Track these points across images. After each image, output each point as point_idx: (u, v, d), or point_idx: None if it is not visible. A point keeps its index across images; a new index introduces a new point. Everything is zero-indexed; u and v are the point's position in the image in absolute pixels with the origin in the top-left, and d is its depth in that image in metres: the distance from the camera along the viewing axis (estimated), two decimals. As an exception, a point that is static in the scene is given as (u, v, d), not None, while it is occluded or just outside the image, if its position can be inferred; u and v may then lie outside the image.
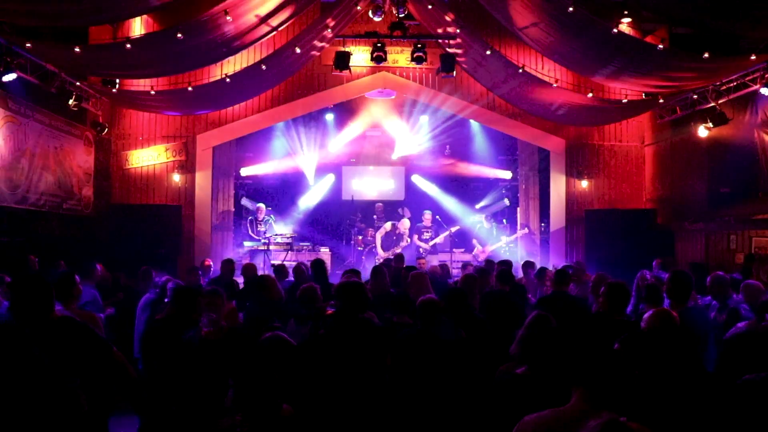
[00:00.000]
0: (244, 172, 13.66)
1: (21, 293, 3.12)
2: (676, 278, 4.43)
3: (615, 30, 7.88)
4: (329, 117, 13.59)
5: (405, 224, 12.07)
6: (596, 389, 2.02)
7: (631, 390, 2.23)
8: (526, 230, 12.56)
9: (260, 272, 9.78)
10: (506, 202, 13.89)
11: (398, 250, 11.45)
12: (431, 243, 11.81)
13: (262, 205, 12.26)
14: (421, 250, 11.73)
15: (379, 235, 12.00)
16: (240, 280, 7.46)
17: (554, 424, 2.00)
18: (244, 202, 13.25)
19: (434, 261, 11.21)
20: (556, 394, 2.18)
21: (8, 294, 3.32)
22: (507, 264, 7.32)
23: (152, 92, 9.85)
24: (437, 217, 12.30)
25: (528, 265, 8.10)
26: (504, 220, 13.53)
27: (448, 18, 9.13)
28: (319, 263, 6.94)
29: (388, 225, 12.10)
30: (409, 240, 11.92)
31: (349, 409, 3.38)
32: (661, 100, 10.14)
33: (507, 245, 12.47)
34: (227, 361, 3.40)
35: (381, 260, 9.41)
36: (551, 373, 2.47)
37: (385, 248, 11.83)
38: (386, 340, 3.88)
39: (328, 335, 3.83)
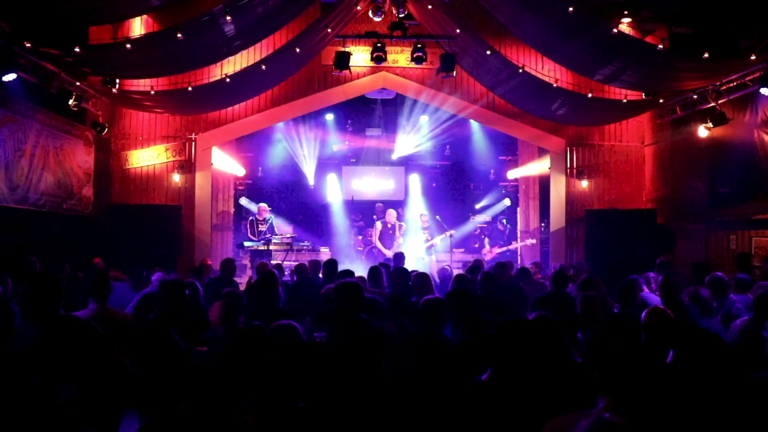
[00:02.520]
0: (244, 172, 13.67)
1: (32, 291, 3.14)
2: (667, 280, 4.47)
3: (615, 30, 7.88)
4: (329, 117, 13.60)
5: (392, 215, 12.04)
6: (622, 396, 2.03)
7: (656, 395, 2.23)
8: (534, 241, 12.64)
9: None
10: (507, 202, 13.91)
11: (399, 242, 11.49)
12: (427, 245, 11.82)
13: (263, 205, 12.24)
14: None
15: (376, 239, 11.95)
16: (238, 280, 7.47)
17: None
18: (243, 201, 13.25)
19: (433, 262, 11.25)
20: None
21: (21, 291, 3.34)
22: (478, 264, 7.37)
23: (152, 92, 9.85)
24: (437, 217, 12.31)
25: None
26: (504, 220, 13.57)
27: (448, 18, 9.14)
28: (331, 263, 6.94)
29: (378, 224, 12.08)
30: (401, 236, 11.90)
31: (346, 410, 3.38)
32: (661, 100, 10.14)
33: (510, 249, 12.53)
34: (235, 362, 3.41)
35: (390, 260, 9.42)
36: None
37: (388, 247, 11.80)
38: (382, 340, 3.88)
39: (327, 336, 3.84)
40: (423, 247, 11.82)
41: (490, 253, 12.31)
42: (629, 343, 2.22)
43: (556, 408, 2.24)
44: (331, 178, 15.00)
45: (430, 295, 4.17)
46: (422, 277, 5.56)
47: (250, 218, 12.09)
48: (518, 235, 13.38)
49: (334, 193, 15.07)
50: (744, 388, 2.47)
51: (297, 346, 3.18)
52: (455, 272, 8.17)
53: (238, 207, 13.44)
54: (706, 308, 4.88)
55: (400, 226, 12.07)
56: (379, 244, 11.83)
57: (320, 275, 7.17)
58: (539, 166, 12.67)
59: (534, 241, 12.66)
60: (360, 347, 3.65)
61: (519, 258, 12.38)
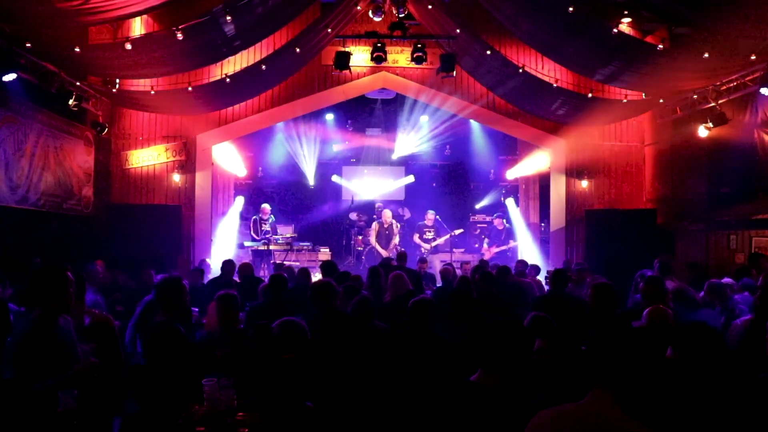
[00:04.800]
0: (244, 172, 13.67)
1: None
2: (651, 283, 4.44)
3: (615, 30, 7.87)
4: (329, 117, 13.60)
5: (388, 215, 12.10)
6: (615, 390, 2.03)
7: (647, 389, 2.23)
8: (516, 244, 12.78)
9: (260, 272, 9.78)
10: (510, 202, 13.90)
11: (395, 242, 11.52)
12: (433, 244, 11.85)
13: (266, 206, 12.25)
14: (422, 249, 11.76)
15: (374, 240, 12.01)
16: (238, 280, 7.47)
17: (569, 419, 2.02)
18: (238, 201, 13.23)
19: (435, 261, 11.27)
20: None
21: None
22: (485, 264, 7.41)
23: (152, 92, 9.85)
24: (437, 217, 12.33)
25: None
26: (504, 221, 13.58)
27: (448, 18, 9.14)
28: (329, 265, 6.99)
29: (375, 225, 12.16)
30: (397, 235, 11.97)
31: (347, 408, 3.38)
32: (661, 100, 10.13)
33: (509, 248, 12.57)
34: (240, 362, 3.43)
35: (391, 258, 9.46)
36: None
37: (384, 246, 11.86)
38: (368, 337, 3.90)
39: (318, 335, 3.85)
40: (427, 245, 11.86)
41: (488, 252, 12.34)
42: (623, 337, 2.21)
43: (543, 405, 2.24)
44: (331, 178, 15.01)
45: (419, 296, 4.25)
46: (397, 279, 5.58)
47: (254, 218, 12.12)
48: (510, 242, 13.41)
49: (334, 193, 15.08)
50: (748, 388, 2.47)
51: (304, 345, 3.20)
52: (457, 272, 8.21)
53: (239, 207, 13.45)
54: (691, 304, 4.91)
55: (397, 226, 12.14)
56: (377, 245, 11.88)
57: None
58: (536, 162, 12.66)
59: (515, 243, 12.79)
60: (341, 342, 3.67)
61: (519, 256, 12.42)
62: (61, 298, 3.19)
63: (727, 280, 5.79)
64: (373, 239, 12.02)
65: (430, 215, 12.14)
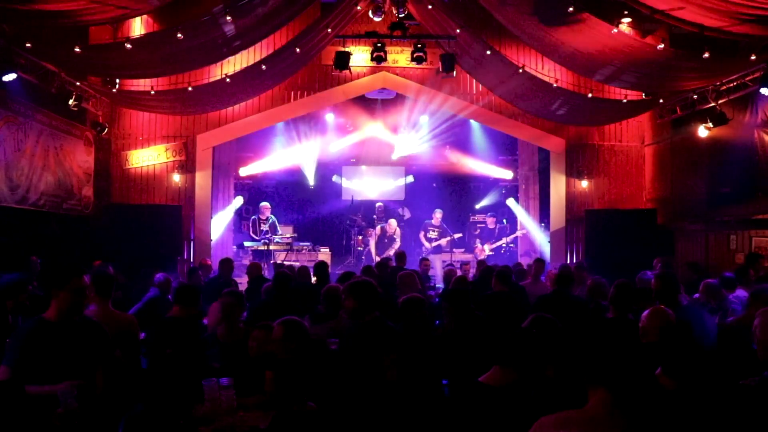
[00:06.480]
0: (244, 172, 13.67)
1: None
2: (663, 280, 4.42)
3: (615, 30, 7.87)
4: (329, 117, 13.59)
5: (392, 224, 12.11)
6: (617, 391, 2.01)
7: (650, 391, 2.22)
8: (525, 231, 12.69)
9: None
10: (512, 201, 13.89)
11: (391, 252, 11.41)
12: (434, 244, 11.86)
13: (266, 204, 12.22)
14: (424, 248, 11.78)
15: (372, 241, 12.05)
16: (237, 279, 7.47)
17: (572, 426, 2.00)
18: (237, 201, 13.19)
19: (437, 261, 11.28)
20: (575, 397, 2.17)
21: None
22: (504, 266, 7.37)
23: (152, 92, 9.85)
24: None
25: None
26: (504, 220, 13.58)
27: (448, 18, 9.14)
28: (322, 265, 6.98)
29: (378, 229, 12.16)
30: (398, 242, 11.95)
31: (357, 407, 3.38)
32: (661, 100, 10.13)
33: (507, 245, 12.56)
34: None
35: (389, 258, 9.44)
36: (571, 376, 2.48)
37: (379, 252, 11.81)
38: (396, 340, 3.90)
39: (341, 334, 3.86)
40: (428, 244, 11.86)
41: (481, 251, 12.34)
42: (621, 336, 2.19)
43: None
44: (331, 178, 15.00)
45: (411, 294, 4.26)
46: (408, 277, 5.58)
47: (252, 218, 12.10)
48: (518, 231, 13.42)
49: (334, 193, 15.08)
50: (733, 394, 2.46)
51: (304, 344, 3.21)
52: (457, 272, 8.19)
53: (238, 207, 13.44)
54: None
55: (399, 235, 12.12)
56: (372, 248, 11.90)
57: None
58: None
59: (524, 231, 12.75)
60: (373, 346, 3.66)
61: (518, 255, 12.45)
62: (70, 300, 3.11)
63: (711, 281, 5.79)
64: (372, 242, 12.03)
65: (438, 215, 12.12)
